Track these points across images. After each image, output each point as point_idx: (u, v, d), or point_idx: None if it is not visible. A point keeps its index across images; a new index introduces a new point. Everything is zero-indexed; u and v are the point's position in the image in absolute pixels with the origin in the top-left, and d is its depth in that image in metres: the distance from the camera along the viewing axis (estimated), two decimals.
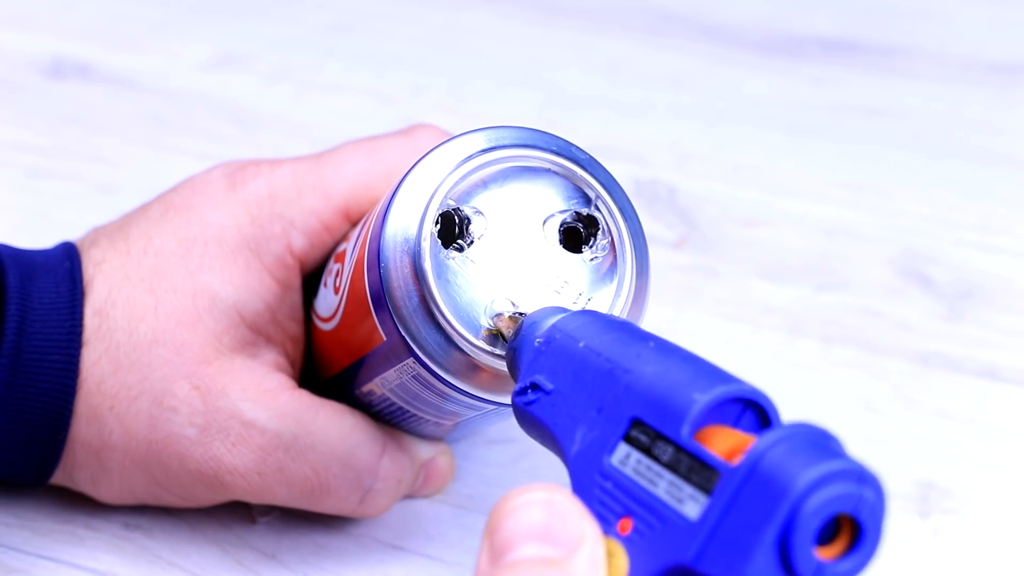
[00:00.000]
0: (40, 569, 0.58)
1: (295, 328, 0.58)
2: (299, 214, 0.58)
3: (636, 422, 0.42)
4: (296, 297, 0.58)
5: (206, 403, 0.56)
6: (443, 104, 0.84)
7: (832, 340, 0.70)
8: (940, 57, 0.89)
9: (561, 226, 0.51)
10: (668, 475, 0.41)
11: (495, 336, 0.50)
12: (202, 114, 0.82)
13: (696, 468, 0.40)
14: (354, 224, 0.58)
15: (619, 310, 0.51)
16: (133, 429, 0.56)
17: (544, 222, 0.51)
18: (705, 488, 0.39)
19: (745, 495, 0.38)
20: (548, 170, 0.52)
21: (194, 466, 0.56)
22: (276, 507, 0.60)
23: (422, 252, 0.50)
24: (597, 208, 0.51)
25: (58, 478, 0.58)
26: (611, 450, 0.42)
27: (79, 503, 0.59)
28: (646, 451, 0.41)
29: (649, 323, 0.50)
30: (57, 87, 0.83)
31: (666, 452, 0.41)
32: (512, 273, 0.50)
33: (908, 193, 0.78)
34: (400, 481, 0.58)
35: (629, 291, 0.51)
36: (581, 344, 0.45)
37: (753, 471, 0.38)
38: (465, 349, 0.50)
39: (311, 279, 0.59)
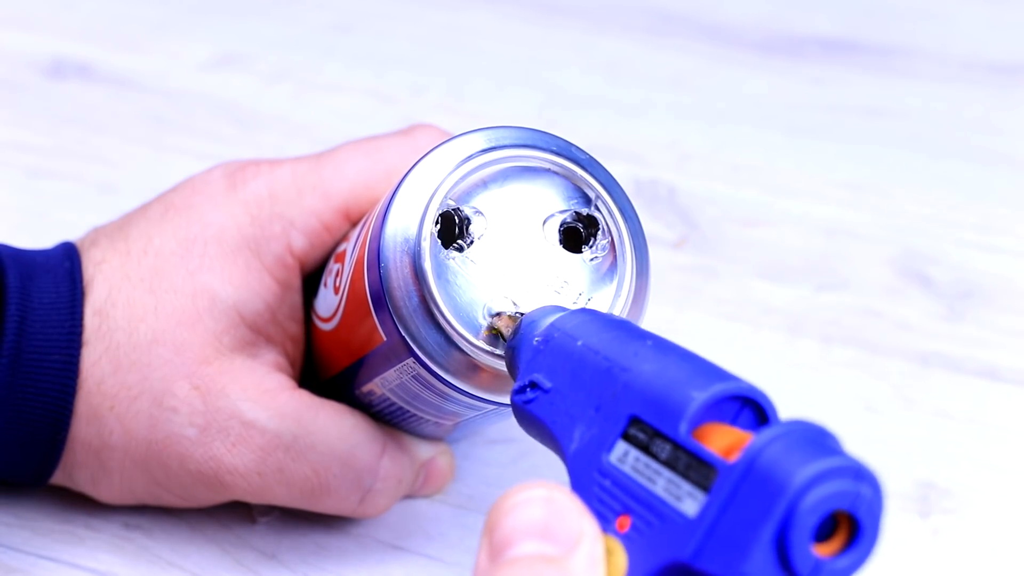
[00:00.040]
0: (40, 569, 0.58)
1: (295, 328, 0.58)
2: (299, 214, 0.58)
3: (634, 420, 0.42)
4: (296, 297, 0.58)
5: (206, 403, 0.56)
6: (443, 104, 0.84)
7: (832, 340, 0.70)
8: (940, 57, 0.89)
9: (561, 226, 0.51)
10: (666, 473, 0.41)
11: (495, 336, 0.50)
12: (202, 114, 0.82)
13: (694, 465, 0.40)
14: (354, 224, 0.58)
15: (619, 310, 0.51)
16: (133, 429, 0.56)
17: (544, 222, 0.51)
18: (703, 485, 0.40)
19: (743, 492, 0.38)
20: (548, 170, 0.52)
21: (194, 466, 0.56)
22: (276, 507, 0.60)
23: (422, 252, 0.50)
24: (597, 208, 0.51)
25: (58, 478, 0.58)
26: (609, 448, 0.42)
27: (79, 503, 0.59)
28: (644, 449, 0.41)
29: (649, 323, 0.50)
30: (57, 87, 0.83)
31: (664, 450, 0.41)
32: (512, 273, 0.50)
33: (908, 193, 0.78)
34: (400, 481, 0.58)
35: (629, 291, 0.51)
36: (579, 343, 0.45)
37: (750, 468, 0.38)
38: (465, 349, 0.50)
39: (311, 279, 0.59)
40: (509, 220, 0.51)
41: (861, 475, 0.38)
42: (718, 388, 0.41)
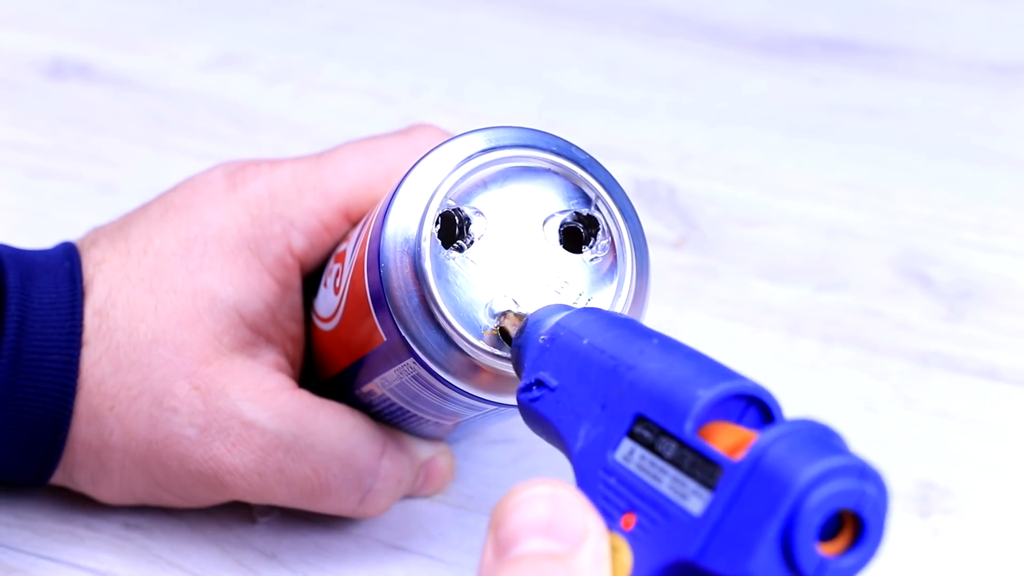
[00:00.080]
0: (40, 569, 0.58)
1: (295, 328, 0.58)
2: (299, 214, 0.58)
3: (640, 418, 0.42)
4: (296, 297, 0.58)
5: (206, 403, 0.56)
6: (443, 104, 0.84)
7: (832, 340, 0.70)
8: (940, 57, 0.89)
9: (561, 226, 0.51)
10: (671, 471, 0.41)
11: (497, 336, 0.50)
12: (202, 114, 0.82)
13: (699, 464, 0.40)
14: (354, 224, 0.58)
15: (619, 310, 0.51)
16: (133, 429, 0.56)
17: (544, 222, 0.51)
18: (708, 484, 0.40)
19: (748, 490, 0.39)
20: (548, 170, 0.52)
21: (194, 466, 0.56)
22: (276, 507, 0.60)
23: (422, 252, 0.50)
24: (597, 208, 0.51)
25: (58, 478, 0.58)
26: (615, 446, 0.42)
27: (79, 503, 0.59)
28: (650, 447, 0.42)
29: (649, 323, 0.50)
30: (57, 87, 0.83)
31: (670, 448, 0.41)
32: (512, 273, 0.50)
33: (908, 193, 0.78)
34: (400, 481, 0.58)
35: (629, 291, 0.51)
36: (585, 341, 0.45)
37: (756, 467, 0.39)
38: (465, 349, 0.50)
39: (311, 279, 0.59)
40: (509, 220, 0.51)
41: (866, 474, 0.38)
42: (724, 387, 0.41)
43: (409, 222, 0.50)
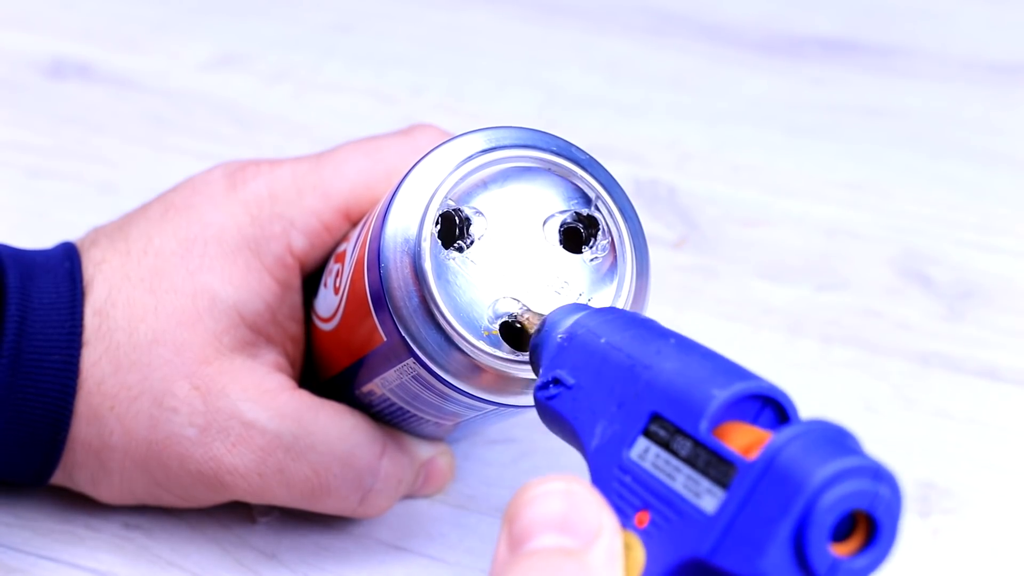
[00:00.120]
0: (40, 569, 0.58)
1: (295, 328, 0.58)
2: (299, 214, 0.58)
3: (655, 417, 0.42)
4: (296, 297, 0.58)
5: (206, 403, 0.56)
6: (443, 104, 0.84)
7: (832, 340, 0.70)
8: (940, 57, 0.89)
9: (561, 226, 0.51)
10: (686, 469, 0.41)
11: (497, 336, 0.50)
12: (202, 114, 0.82)
13: (714, 463, 0.40)
14: (354, 224, 0.58)
15: None
16: (133, 429, 0.56)
17: (544, 222, 0.51)
18: (722, 482, 0.40)
19: (761, 490, 0.39)
20: (548, 170, 0.52)
21: (194, 466, 0.56)
22: (276, 507, 0.60)
23: (422, 252, 0.50)
24: (597, 208, 0.51)
25: (58, 478, 0.58)
26: (630, 444, 0.43)
27: (79, 503, 0.59)
28: (665, 445, 0.42)
29: None
30: (57, 87, 0.83)
31: (684, 447, 0.41)
32: (512, 273, 0.50)
33: (908, 193, 0.78)
34: (400, 481, 0.58)
35: (629, 291, 0.51)
36: (603, 340, 0.45)
37: (770, 466, 0.39)
38: (465, 350, 0.50)
39: (311, 279, 0.59)
40: (509, 220, 0.51)
41: (880, 475, 0.38)
42: (739, 387, 0.41)
43: (409, 222, 0.50)
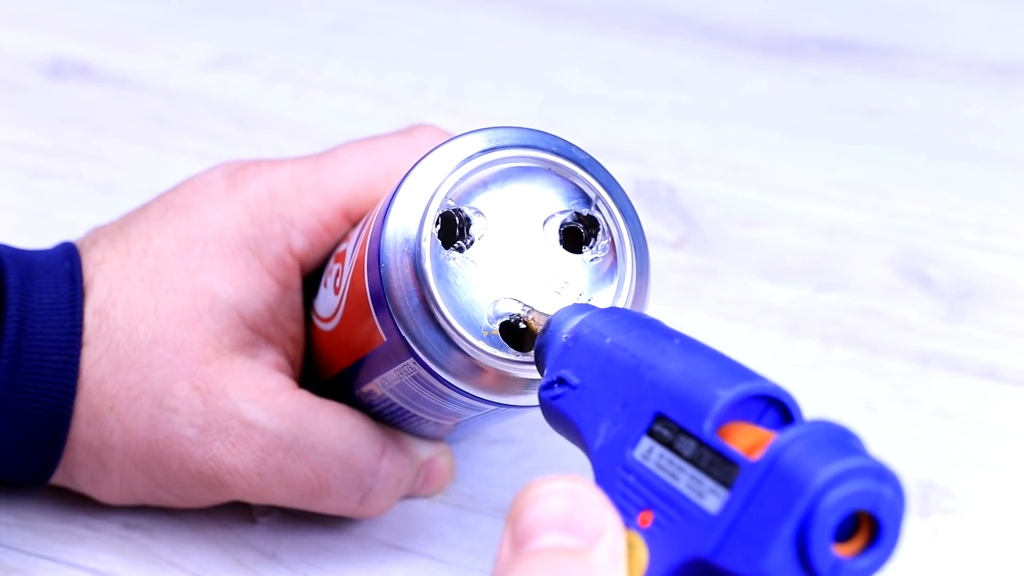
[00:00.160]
0: (40, 569, 0.58)
1: (295, 328, 0.58)
2: (299, 214, 0.58)
3: (660, 417, 0.42)
4: (296, 297, 0.58)
5: (206, 403, 0.56)
6: (443, 104, 0.84)
7: (832, 340, 0.70)
8: (940, 57, 0.89)
9: (561, 226, 0.51)
10: (690, 469, 0.41)
11: (497, 336, 0.50)
12: (202, 114, 0.82)
13: (717, 463, 0.40)
14: (354, 224, 0.58)
15: None
16: (133, 429, 0.56)
17: (544, 222, 0.51)
18: (725, 482, 0.40)
19: (764, 490, 0.39)
20: (548, 170, 0.52)
21: (194, 466, 0.56)
22: (276, 507, 0.60)
23: (422, 252, 0.50)
24: (597, 208, 0.51)
25: (58, 478, 0.58)
26: (634, 444, 0.43)
27: (79, 503, 0.59)
28: (669, 445, 0.42)
29: None
30: (57, 87, 0.83)
31: (688, 447, 0.41)
32: (512, 273, 0.50)
33: (908, 193, 0.78)
34: (400, 481, 0.58)
35: (629, 291, 0.51)
36: (608, 340, 0.45)
37: (773, 466, 0.39)
38: (465, 350, 0.50)
39: (311, 279, 0.59)
40: (509, 220, 0.51)
41: (883, 476, 0.38)
42: (743, 387, 0.41)
43: (409, 222, 0.50)
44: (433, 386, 0.51)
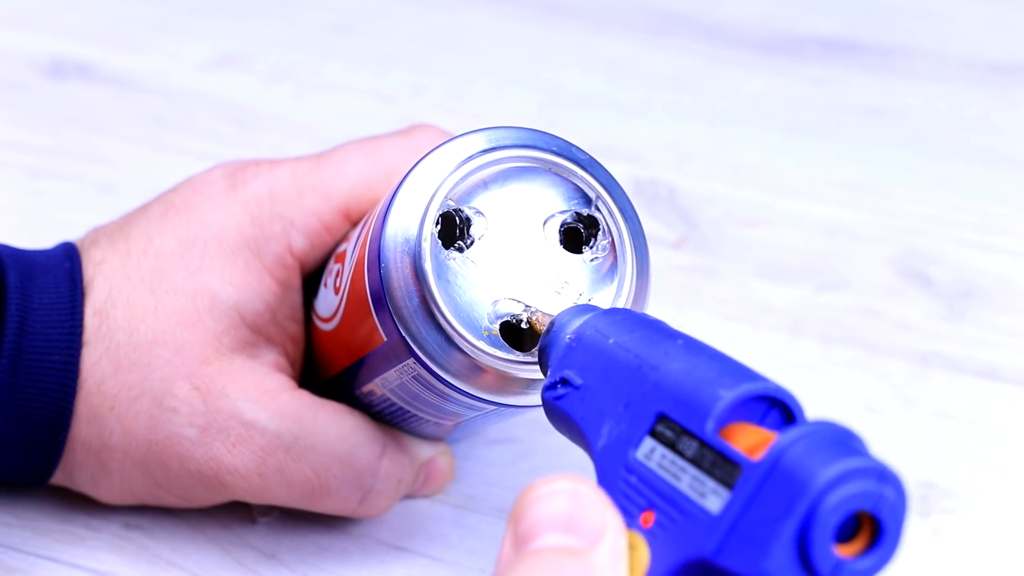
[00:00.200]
0: (40, 569, 0.58)
1: (295, 328, 0.58)
2: (299, 214, 0.58)
3: (662, 417, 0.42)
4: (296, 297, 0.58)
5: (206, 403, 0.56)
6: (443, 104, 0.84)
7: (832, 340, 0.70)
8: (940, 57, 0.89)
9: (561, 226, 0.51)
10: (692, 470, 0.41)
11: (497, 336, 0.50)
12: (202, 114, 0.82)
13: (719, 463, 0.40)
14: (354, 224, 0.58)
15: None
16: (133, 430, 0.56)
17: (544, 222, 0.51)
18: (727, 483, 0.40)
19: (766, 490, 0.39)
20: (548, 170, 0.52)
21: (194, 466, 0.56)
22: (276, 507, 0.60)
23: (422, 253, 0.50)
24: (597, 208, 0.51)
25: (58, 478, 0.58)
26: (636, 444, 0.43)
27: (79, 503, 0.59)
28: (671, 446, 0.42)
29: None
30: (57, 87, 0.83)
31: (690, 447, 0.41)
32: (513, 273, 0.50)
33: (908, 193, 0.78)
34: (400, 481, 0.58)
35: (629, 291, 0.51)
36: (611, 341, 0.45)
37: (774, 467, 0.39)
38: (465, 350, 0.50)
39: (311, 279, 0.59)
40: (509, 220, 0.51)
41: (885, 477, 0.38)
42: (746, 388, 0.41)
43: (409, 222, 0.50)
44: (433, 386, 0.51)
